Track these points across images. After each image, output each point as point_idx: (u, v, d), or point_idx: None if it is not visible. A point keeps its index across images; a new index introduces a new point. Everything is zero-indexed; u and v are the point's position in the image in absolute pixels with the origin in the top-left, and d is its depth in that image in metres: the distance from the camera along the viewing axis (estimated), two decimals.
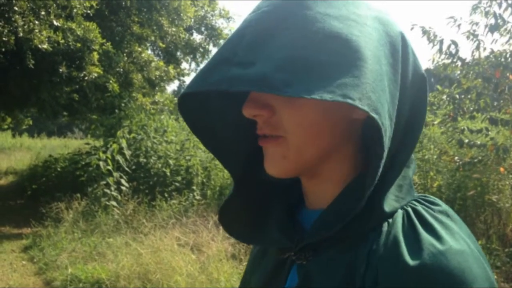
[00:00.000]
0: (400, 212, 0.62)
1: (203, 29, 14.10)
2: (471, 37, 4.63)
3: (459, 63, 4.73)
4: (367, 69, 0.55)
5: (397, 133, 0.62)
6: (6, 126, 20.02)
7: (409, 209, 0.62)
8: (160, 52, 13.31)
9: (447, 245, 0.55)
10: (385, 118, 0.56)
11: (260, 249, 0.80)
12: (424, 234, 0.57)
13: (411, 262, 0.55)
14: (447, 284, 0.53)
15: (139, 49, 10.79)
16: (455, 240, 0.57)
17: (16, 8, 7.10)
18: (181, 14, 11.14)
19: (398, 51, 0.61)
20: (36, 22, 7.37)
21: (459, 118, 4.96)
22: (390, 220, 0.61)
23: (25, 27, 7.18)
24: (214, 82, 0.57)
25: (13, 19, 7.06)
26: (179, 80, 14.83)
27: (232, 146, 0.75)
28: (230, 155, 0.75)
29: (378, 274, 0.57)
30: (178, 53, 13.24)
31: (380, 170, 0.57)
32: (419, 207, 0.62)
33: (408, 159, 0.65)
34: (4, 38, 6.96)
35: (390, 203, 0.62)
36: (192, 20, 11.96)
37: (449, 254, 0.54)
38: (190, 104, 0.70)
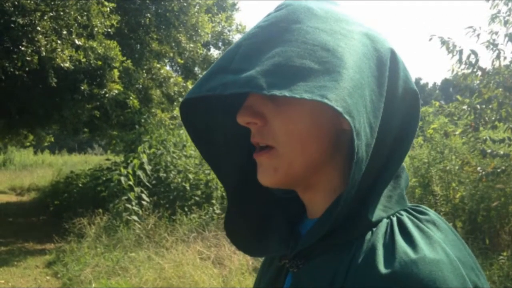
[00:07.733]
0: (385, 221, 0.63)
1: (220, 44, 14.28)
2: (491, 46, 4.61)
3: (479, 72, 4.70)
4: (347, 76, 0.59)
5: (385, 144, 0.65)
6: (28, 144, 20.37)
7: (394, 219, 0.63)
8: (178, 68, 13.50)
9: (420, 254, 0.55)
10: (360, 123, 0.58)
11: (268, 257, 0.83)
12: (400, 243, 0.58)
13: (383, 270, 0.55)
14: None
15: (158, 65, 10.96)
16: (432, 249, 0.57)
17: (39, 29, 7.29)
18: (199, 30, 11.28)
19: (385, 65, 0.64)
20: (59, 41, 7.55)
21: (481, 128, 4.92)
22: (374, 229, 0.62)
23: (48, 46, 7.36)
24: (211, 88, 0.62)
25: (36, 39, 7.25)
26: None
27: (228, 158, 0.79)
28: (226, 167, 0.79)
29: (355, 281, 0.58)
30: (196, 69, 13.39)
31: (357, 175, 0.59)
32: (404, 217, 0.63)
33: (395, 172, 0.67)
34: (27, 58, 7.14)
35: (376, 212, 0.63)
36: (210, 35, 12.11)
37: (421, 263, 0.54)
38: (193, 114, 0.76)
